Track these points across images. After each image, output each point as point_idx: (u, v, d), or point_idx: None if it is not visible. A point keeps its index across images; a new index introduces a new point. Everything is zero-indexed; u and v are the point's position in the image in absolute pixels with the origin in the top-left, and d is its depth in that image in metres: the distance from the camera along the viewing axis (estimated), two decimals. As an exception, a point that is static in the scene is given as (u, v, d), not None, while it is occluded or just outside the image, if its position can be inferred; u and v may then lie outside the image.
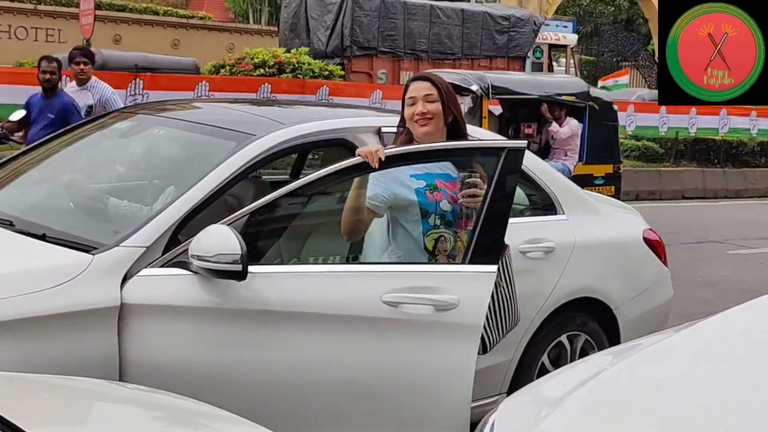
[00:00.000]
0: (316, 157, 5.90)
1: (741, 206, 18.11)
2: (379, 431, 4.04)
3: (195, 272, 3.71)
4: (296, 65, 14.65)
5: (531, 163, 5.41)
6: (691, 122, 20.49)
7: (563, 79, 14.60)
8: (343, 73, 17.57)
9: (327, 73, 15.63)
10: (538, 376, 5.13)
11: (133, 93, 12.21)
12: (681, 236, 13.50)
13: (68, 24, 26.93)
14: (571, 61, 30.07)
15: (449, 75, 11.97)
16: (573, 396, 3.02)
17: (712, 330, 3.47)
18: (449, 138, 4.24)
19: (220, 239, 3.64)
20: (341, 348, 3.90)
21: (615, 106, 12.89)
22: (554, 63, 30.27)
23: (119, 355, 3.61)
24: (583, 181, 9.97)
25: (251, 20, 36.08)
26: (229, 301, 3.74)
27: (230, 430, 2.29)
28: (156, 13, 30.44)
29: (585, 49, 40.12)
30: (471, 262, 4.08)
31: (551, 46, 29.13)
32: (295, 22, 24.25)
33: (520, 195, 5.44)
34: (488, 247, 4.11)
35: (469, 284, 4.05)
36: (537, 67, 28.76)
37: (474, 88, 11.38)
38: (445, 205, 4.14)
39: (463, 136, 4.31)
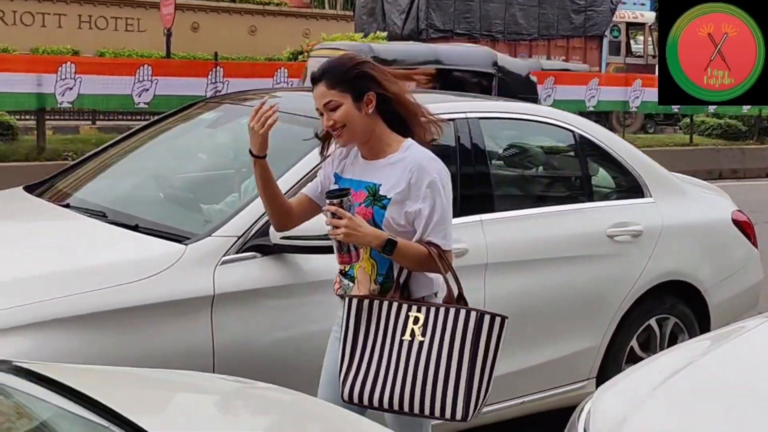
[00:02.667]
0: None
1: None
2: None
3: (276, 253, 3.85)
4: (372, 49, 14.68)
5: (614, 142, 5.36)
6: (776, 98, 19.99)
7: (466, 49, 14.22)
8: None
9: (404, 57, 15.57)
10: (627, 361, 5.10)
11: (214, 81, 12.33)
12: (766, 215, 13.22)
13: (147, 13, 27.27)
14: (649, 39, 29.57)
15: (329, 49, 12.14)
16: (669, 383, 2.99)
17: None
18: (395, 127, 3.47)
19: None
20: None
21: (533, 78, 12.78)
22: (632, 41, 29.80)
23: (213, 342, 3.67)
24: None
25: (327, 5, 36.15)
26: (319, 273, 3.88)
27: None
28: (233, 0, 30.68)
29: (664, 25, 39.44)
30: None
31: (629, 25, 28.66)
32: (371, 6, 24.34)
33: (605, 178, 5.40)
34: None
35: None
36: (614, 46, 28.38)
37: None
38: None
39: (410, 122, 3.49)
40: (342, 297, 3.47)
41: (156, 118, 5.42)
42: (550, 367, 4.83)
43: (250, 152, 3.41)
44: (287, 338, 3.86)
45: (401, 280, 3.43)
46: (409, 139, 3.46)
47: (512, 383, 4.61)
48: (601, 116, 21.56)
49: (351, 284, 3.49)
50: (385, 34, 18.44)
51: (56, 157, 11.51)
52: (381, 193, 3.41)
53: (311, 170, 4.05)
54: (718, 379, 3.02)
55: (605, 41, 27.66)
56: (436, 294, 3.51)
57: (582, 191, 5.25)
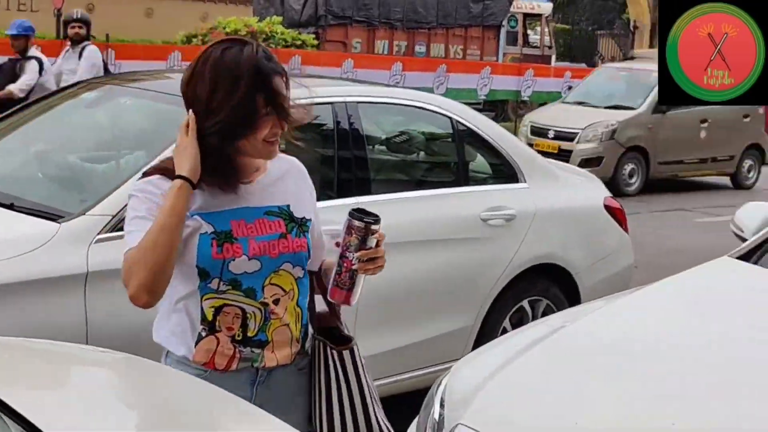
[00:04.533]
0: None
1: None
2: None
3: None
4: (269, 35, 14.70)
5: (492, 130, 5.52)
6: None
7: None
8: (316, 42, 17.59)
9: (300, 42, 15.64)
10: (501, 341, 5.27)
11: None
12: (650, 204, 13.67)
13: (40, -8, 26.74)
14: (546, 30, 30.11)
15: None
16: (522, 356, 3.15)
17: (659, 293, 3.61)
18: None
19: None
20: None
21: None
22: (529, 32, 30.32)
23: (86, 319, 3.70)
24: None
25: (226, -12, 35.82)
26: None
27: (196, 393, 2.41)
28: (129, -19, 30.19)
29: (561, 17, 40.15)
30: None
31: (526, 15, 29.14)
32: (269, -10, 24.22)
33: (482, 163, 5.56)
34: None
35: None
36: (512, 37, 28.80)
37: None
38: (239, 266, 2.61)
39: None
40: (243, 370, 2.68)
41: (37, 97, 5.39)
42: (425, 346, 4.97)
43: (179, 176, 2.55)
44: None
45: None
46: None
47: (386, 362, 4.73)
48: (497, 105, 21.96)
49: (259, 351, 2.67)
50: (280, 19, 18.38)
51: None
52: (297, 215, 2.73)
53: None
54: (568, 352, 3.19)
55: (503, 31, 28.04)
56: None
57: (458, 176, 5.40)
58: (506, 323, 5.35)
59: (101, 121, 5.15)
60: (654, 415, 2.68)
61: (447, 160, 5.60)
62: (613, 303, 3.64)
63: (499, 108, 22.38)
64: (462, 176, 5.38)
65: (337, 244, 2.61)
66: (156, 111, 4.76)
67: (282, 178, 2.76)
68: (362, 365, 2.82)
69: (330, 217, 4.25)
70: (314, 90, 4.34)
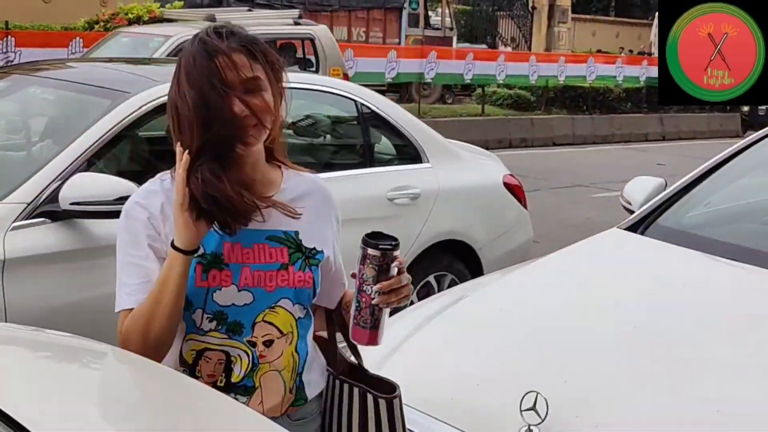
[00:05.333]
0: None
1: (607, 151, 18.85)
2: None
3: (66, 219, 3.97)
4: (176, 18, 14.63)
5: (394, 111, 5.71)
6: (560, 70, 21.09)
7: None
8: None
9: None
10: (408, 315, 5.49)
11: (5, 50, 12.04)
12: (550, 181, 14.06)
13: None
14: (447, 11, 30.45)
15: None
16: (427, 325, 3.36)
17: (552, 264, 3.85)
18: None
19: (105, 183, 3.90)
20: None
21: None
22: (431, 13, 30.59)
23: (4, 306, 3.79)
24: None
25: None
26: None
27: (116, 364, 2.48)
28: (25, -33, 29.62)
29: (462, -1, 40.58)
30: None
31: (426, -3, 29.42)
32: (171, -26, 24.00)
33: (387, 145, 5.76)
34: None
35: None
36: (414, 19, 29.04)
37: None
38: (226, 296, 2.22)
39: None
40: None
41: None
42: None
43: (173, 245, 2.13)
44: (77, 301, 3.98)
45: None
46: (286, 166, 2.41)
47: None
48: (402, 87, 22.21)
49: (245, 399, 2.25)
50: (182, 3, 18.27)
51: None
52: (307, 244, 2.32)
53: (100, 138, 4.20)
54: (466, 321, 3.41)
55: (404, 13, 28.26)
56: None
57: (364, 158, 5.58)
58: (414, 298, 5.56)
59: (9, 111, 5.19)
60: (548, 371, 2.91)
61: (353, 142, 5.77)
62: (509, 275, 3.87)
63: (403, 89, 22.64)
64: (368, 158, 5.56)
65: (353, 275, 2.23)
66: (62, 99, 4.84)
67: (297, 200, 2.32)
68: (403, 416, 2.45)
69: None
70: None
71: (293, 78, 5.40)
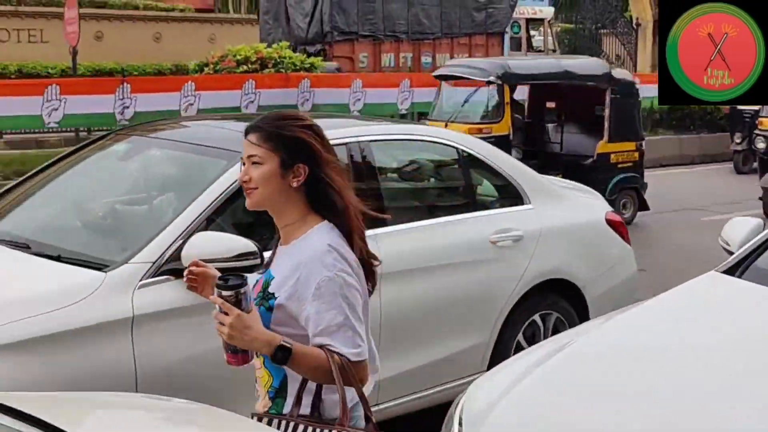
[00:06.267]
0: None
1: (716, 171, 18.58)
2: None
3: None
4: (278, 60, 15.09)
5: (495, 156, 5.88)
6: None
7: (584, 62, 14.41)
8: (324, 64, 17.94)
9: (308, 65, 16.07)
10: (515, 353, 5.62)
11: (121, 97, 12.59)
12: (657, 205, 13.97)
13: (49, 24, 27.20)
14: (549, 32, 30.45)
15: (461, 68, 13.12)
16: (533, 373, 3.51)
17: (651, 311, 3.96)
18: (319, 208, 3.01)
19: (224, 242, 4.17)
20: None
21: (636, 84, 13.35)
22: (533, 32, 30.58)
23: (134, 360, 4.08)
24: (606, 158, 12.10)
25: (231, 8, 36.28)
26: None
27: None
28: (136, 8, 30.70)
29: (565, 17, 40.43)
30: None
31: (528, 21, 29.47)
32: (275, 10, 24.63)
33: (488, 188, 5.93)
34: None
35: None
36: (516, 42, 29.15)
37: (492, 78, 12.15)
38: None
39: (337, 212, 2.99)
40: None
41: (70, 150, 5.76)
42: (444, 363, 5.33)
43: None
44: (202, 353, 4.22)
45: (303, 395, 2.92)
46: (322, 223, 2.98)
47: (408, 381, 5.11)
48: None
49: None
50: (287, 43, 18.75)
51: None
52: (270, 290, 2.94)
53: (217, 198, 4.48)
54: (572, 368, 3.55)
55: (506, 37, 28.39)
56: (352, 410, 2.96)
57: (466, 202, 5.77)
58: (520, 337, 5.71)
59: (131, 172, 5.53)
60: (653, 420, 3.02)
61: (455, 188, 5.97)
62: (612, 321, 3.99)
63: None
64: (470, 202, 5.75)
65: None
66: (180, 160, 5.15)
67: (291, 254, 2.95)
68: None
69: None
70: (330, 132, 4.81)
71: (398, 130, 5.67)
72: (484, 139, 8.06)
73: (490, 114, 12.35)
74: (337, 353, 2.82)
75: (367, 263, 3.05)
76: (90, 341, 4.00)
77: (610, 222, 6.26)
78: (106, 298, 4.09)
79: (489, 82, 12.15)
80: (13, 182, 5.55)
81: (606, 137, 12.48)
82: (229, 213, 4.68)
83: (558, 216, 5.93)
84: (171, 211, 4.61)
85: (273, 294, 2.91)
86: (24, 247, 4.54)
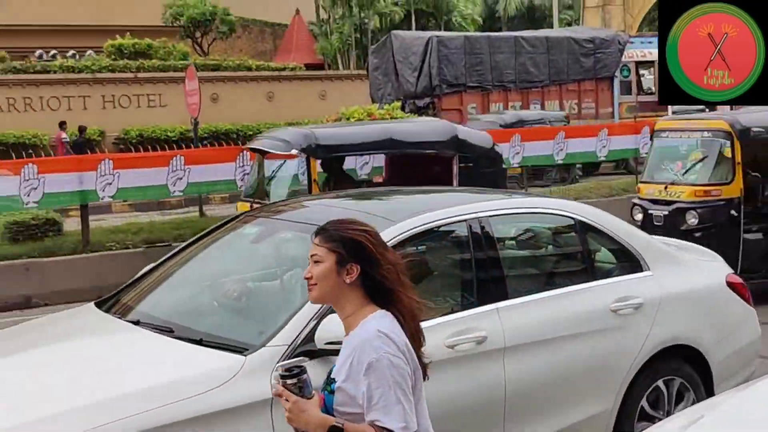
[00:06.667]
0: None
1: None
2: None
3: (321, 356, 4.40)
4: (390, 120, 15.39)
5: (611, 223, 5.96)
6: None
7: (421, 127, 12.15)
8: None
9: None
10: (639, 419, 5.68)
11: (241, 164, 13.01)
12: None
13: (167, 88, 28.36)
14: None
15: (266, 140, 11.62)
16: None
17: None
18: (377, 299, 3.37)
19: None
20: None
21: (496, 148, 11.83)
22: (642, 79, 30.31)
23: (274, 437, 4.30)
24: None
25: (340, 64, 37.02)
26: None
27: None
28: (249, 69, 31.61)
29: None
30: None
31: (638, 63, 29.25)
32: (384, 66, 25.10)
33: (606, 256, 6.01)
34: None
35: None
36: (625, 86, 28.95)
37: (294, 151, 10.63)
38: None
39: (390, 304, 3.35)
40: None
41: (202, 233, 6.07)
42: (570, 431, 5.42)
43: None
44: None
45: None
46: (377, 312, 3.35)
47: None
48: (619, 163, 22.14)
49: None
50: (398, 104, 19.07)
51: (101, 249, 12.29)
52: (332, 375, 3.37)
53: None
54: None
55: (616, 81, 28.27)
56: None
57: (585, 271, 5.86)
58: (644, 402, 5.75)
59: (262, 252, 5.80)
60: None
61: (574, 257, 6.08)
62: (742, 393, 4.01)
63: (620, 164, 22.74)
64: (589, 271, 5.84)
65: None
66: (307, 240, 5.37)
67: (348, 342, 3.34)
68: None
69: (474, 324, 4.87)
70: (450, 210, 5.07)
71: (516, 204, 5.79)
72: None
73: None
74: (386, 428, 3.17)
75: (418, 355, 3.37)
76: (232, 423, 4.23)
77: (731, 285, 6.27)
78: (246, 381, 4.32)
79: (292, 155, 10.67)
80: (152, 265, 5.86)
81: None
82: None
83: (678, 281, 5.97)
84: (302, 292, 4.84)
85: (334, 379, 3.32)
86: (168, 330, 4.82)
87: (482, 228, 5.31)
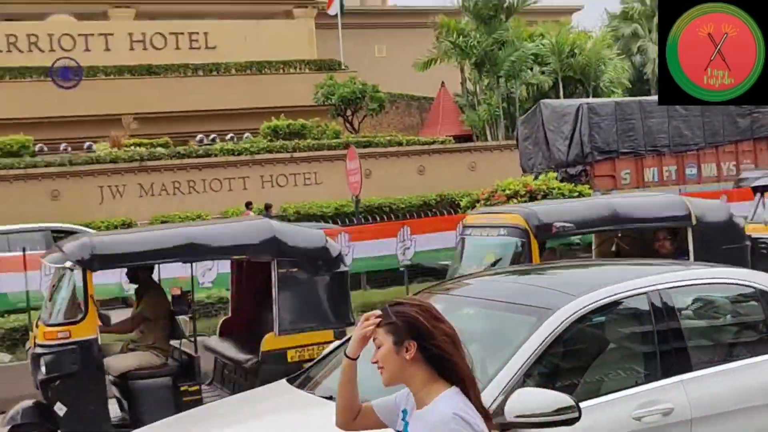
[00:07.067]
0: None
1: None
2: None
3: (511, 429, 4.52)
4: (547, 191, 15.45)
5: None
6: None
7: (236, 229, 9.35)
8: (591, 192, 18.10)
9: (576, 194, 16.36)
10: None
11: (402, 239, 13.32)
12: None
13: (322, 166, 29.21)
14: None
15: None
16: None
17: None
18: (445, 374, 3.44)
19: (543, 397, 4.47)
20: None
21: (336, 249, 9.12)
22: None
23: None
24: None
25: (489, 136, 37.26)
26: None
27: None
28: (400, 144, 32.15)
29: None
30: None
31: (798, 121, 28.44)
32: (535, 135, 25.18)
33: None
34: None
35: None
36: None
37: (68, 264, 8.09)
38: None
39: (456, 377, 3.43)
40: None
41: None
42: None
43: (345, 354, 3.61)
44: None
45: None
46: (449, 390, 3.42)
47: None
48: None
49: None
50: (555, 174, 19.09)
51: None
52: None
53: (532, 354, 4.81)
54: None
55: (774, 141, 27.55)
56: None
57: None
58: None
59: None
60: None
61: (756, 327, 6.00)
62: None
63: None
64: (772, 342, 5.78)
65: None
66: (491, 318, 5.53)
67: (422, 419, 3.39)
68: None
69: (660, 396, 4.91)
70: (630, 283, 5.14)
71: (698, 276, 5.80)
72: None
73: (70, 311, 8.15)
74: None
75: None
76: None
77: None
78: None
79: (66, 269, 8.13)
80: (339, 342, 6.07)
81: (276, 329, 8.51)
82: (543, 369, 5.00)
83: None
84: (490, 367, 4.97)
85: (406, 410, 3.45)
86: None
87: (662, 300, 5.34)
